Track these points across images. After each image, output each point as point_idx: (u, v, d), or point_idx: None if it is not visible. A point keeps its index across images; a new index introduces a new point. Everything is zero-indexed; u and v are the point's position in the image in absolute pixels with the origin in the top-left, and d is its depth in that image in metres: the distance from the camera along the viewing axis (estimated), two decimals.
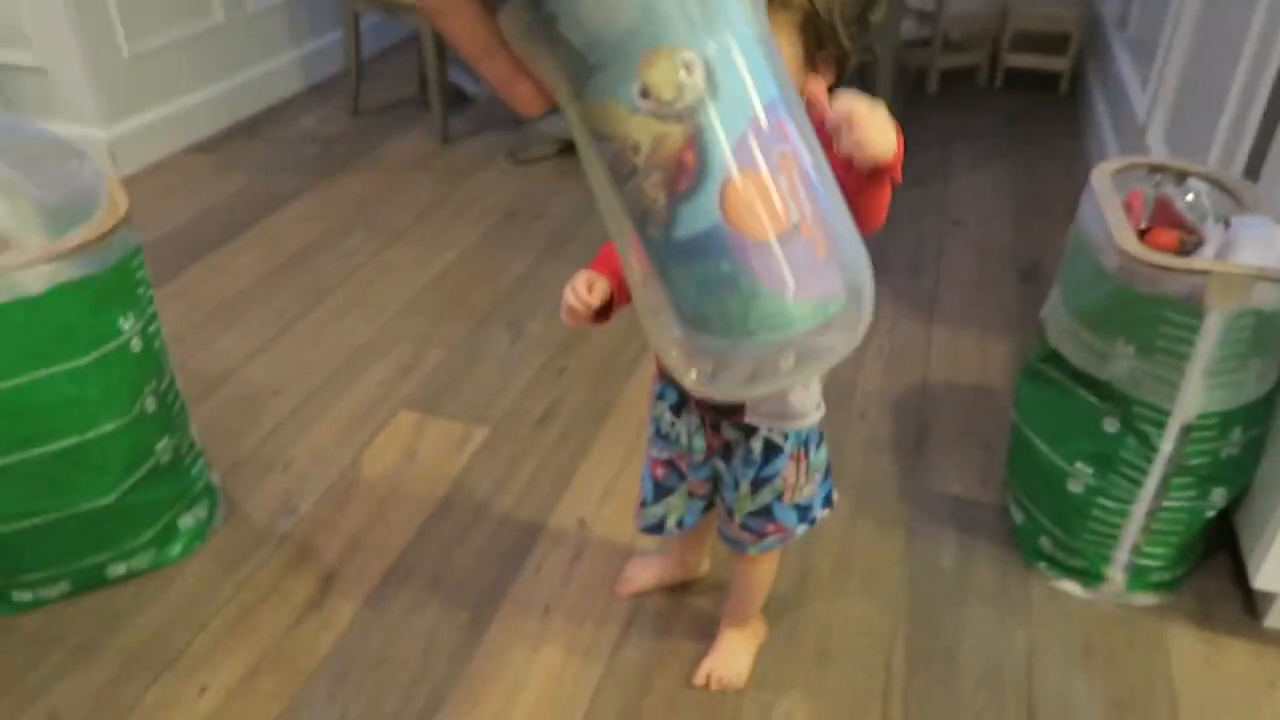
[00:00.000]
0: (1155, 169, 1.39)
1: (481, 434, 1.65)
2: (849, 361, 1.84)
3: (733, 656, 1.23)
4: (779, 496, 1.07)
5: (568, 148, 2.70)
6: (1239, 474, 1.28)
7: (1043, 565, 1.39)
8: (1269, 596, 1.29)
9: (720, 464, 1.09)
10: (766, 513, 1.08)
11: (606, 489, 1.53)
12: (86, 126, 2.50)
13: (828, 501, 1.13)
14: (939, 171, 2.69)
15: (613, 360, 1.84)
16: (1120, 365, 1.23)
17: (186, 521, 1.39)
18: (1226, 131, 1.62)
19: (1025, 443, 1.40)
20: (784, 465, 1.04)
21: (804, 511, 1.10)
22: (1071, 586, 1.37)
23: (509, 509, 1.49)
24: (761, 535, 1.10)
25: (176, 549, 1.38)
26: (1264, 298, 1.13)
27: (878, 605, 1.34)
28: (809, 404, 1.03)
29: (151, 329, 1.32)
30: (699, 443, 1.07)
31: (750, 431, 1.03)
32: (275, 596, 1.34)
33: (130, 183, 2.51)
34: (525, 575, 1.38)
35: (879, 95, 2.75)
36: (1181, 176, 1.37)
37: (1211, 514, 1.29)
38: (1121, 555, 1.32)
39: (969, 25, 3.28)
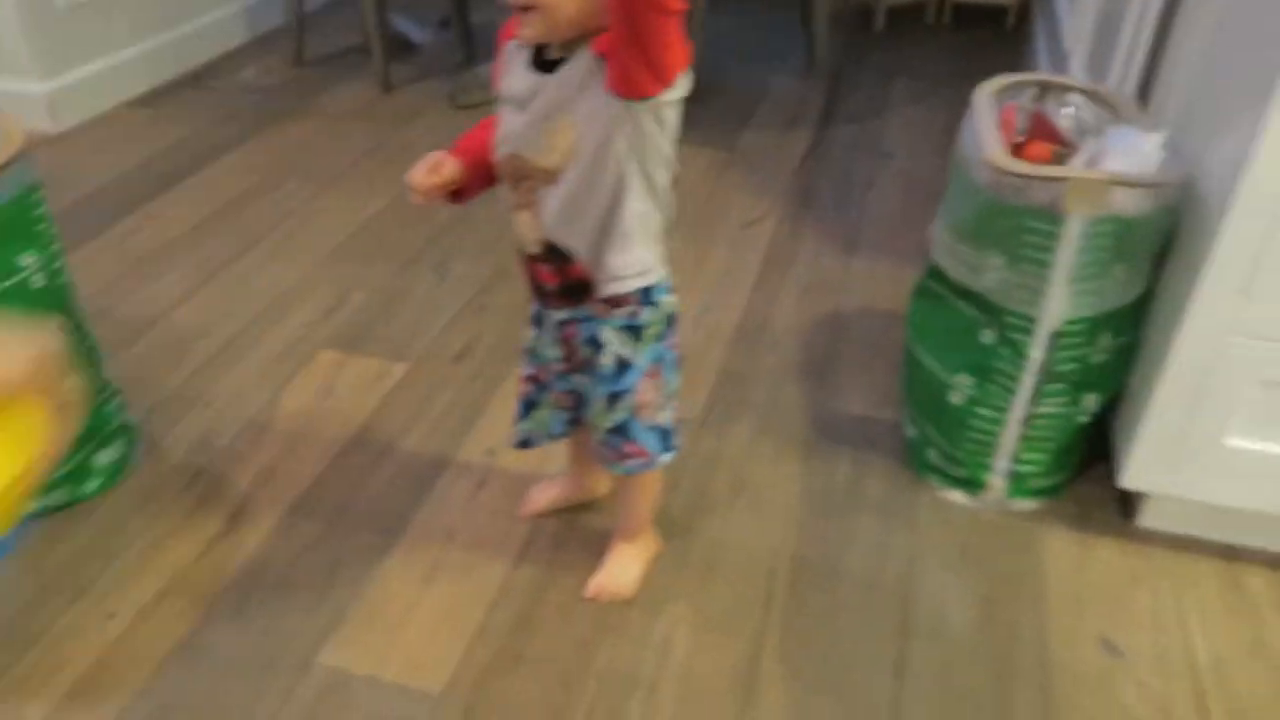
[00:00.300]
0: (1038, 86, 1.41)
1: (399, 370, 1.69)
2: (765, 294, 1.88)
3: (622, 569, 1.28)
4: (634, 413, 1.10)
5: None
6: (1110, 380, 1.31)
7: (931, 477, 1.44)
8: (1141, 497, 1.34)
9: (581, 379, 1.13)
10: (623, 431, 1.12)
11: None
12: (24, 81, 2.51)
13: (668, 443, 1.16)
14: (876, 107, 2.70)
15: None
16: (991, 276, 1.26)
17: (102, 459, 1.43)
18: (1124, 53, 1.64)
19: (914, 359, 1.44)
20: (637, 380, 1.08)
21: (665, 436, 1.14)
22: (956, 496, 1.41)
23: (420, 442, 1.53)
24: (622, 456, 1.14)
25: (92, 485, 1.43)
26: (1124, 204, 1.16)
27: (768, 521, 1.39)
28: (629, 267, 1.02)
29: (56, 266, 1.34)
30: (554, 352, 1.11)
31: (599, 346, 1.06)
32: (187, 527, 1.38)
33: (69, 136, 2.53)
34: (431, 503, 1.43)
35: (816, 32, 2.74)
36: (1063, 93, 1.39)
37: (1085, 420, 1.33)
38: (1001, 463, 1.37)
39: None
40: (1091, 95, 1.35)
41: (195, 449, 1.52)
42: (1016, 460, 1.36)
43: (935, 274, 1.37)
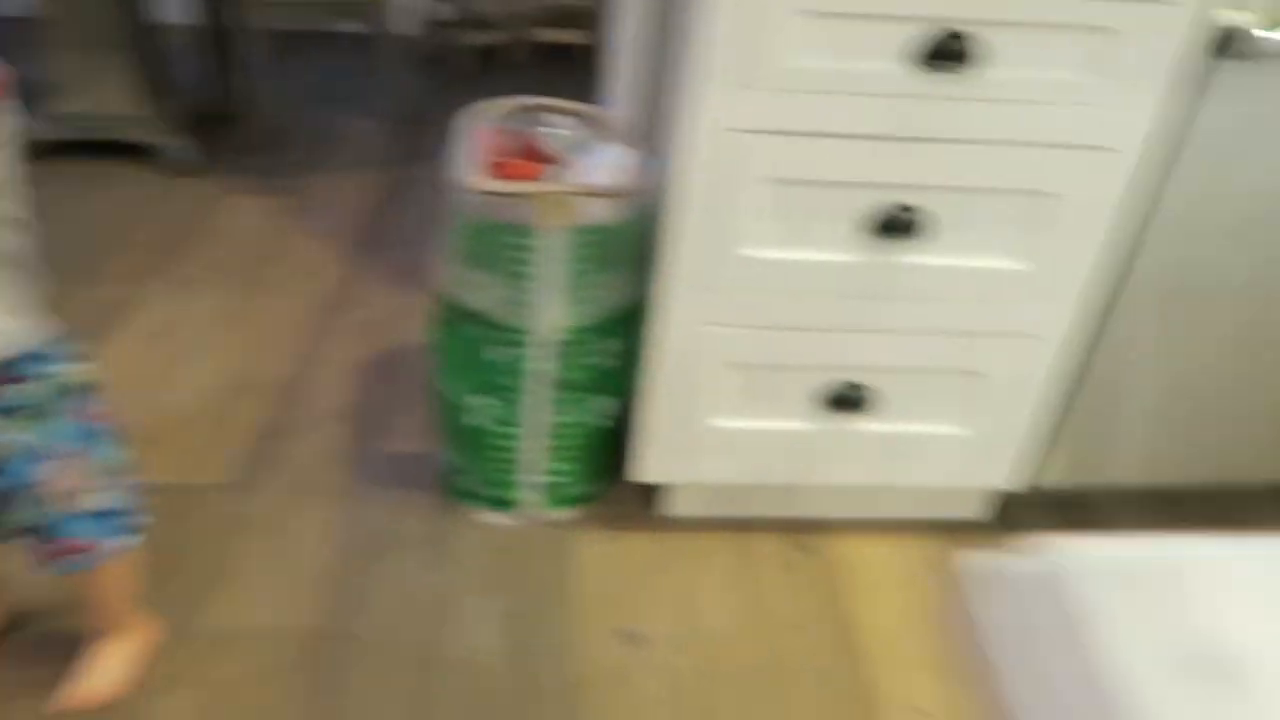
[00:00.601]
0: (526, 109, 1.43)
1: None
2: (318, 340, 1.78)
3: (101, 671, 1.11)
4: (56, 504, 0.96)
5: (40, 151, 2.40)
6: (620, 383, 1.35)
7: (468, 503, 1.41)
8: (663, 489, 1.39)
9: None
10: (47, 528, 0.98)
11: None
12: None
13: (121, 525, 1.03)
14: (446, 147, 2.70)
15: None
16: (487, 295, 1.25)
17: None
18: (628, 82, 1.73)
19: (435, 386, 1.40)
20: (48, 467, 0.94)
21: (112, 519, 1.01)
22: (494, 517, 1.39)
23: None
24: (54, 554, 1.00)
25: None
26: (596, 214, 1.19)
27: (291, 585, 1.28)
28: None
29: None
30: None
31: None
32: None
33: None
34: None
35: (390, 74, 2.64)
36: (553, 115, 1.42)
37: (606, 424, 1.36)
38: (530, 477, 1.36)
39: (500, 4, 3.34)
40: (580, 117, 1.39)
41: None
42: (546, 472, 1.36)
43: (443, 299, 1.35)
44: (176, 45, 3.06)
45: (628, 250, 1.27)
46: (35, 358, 0.91)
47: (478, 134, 1.30)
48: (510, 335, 1.26)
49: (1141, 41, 1.03)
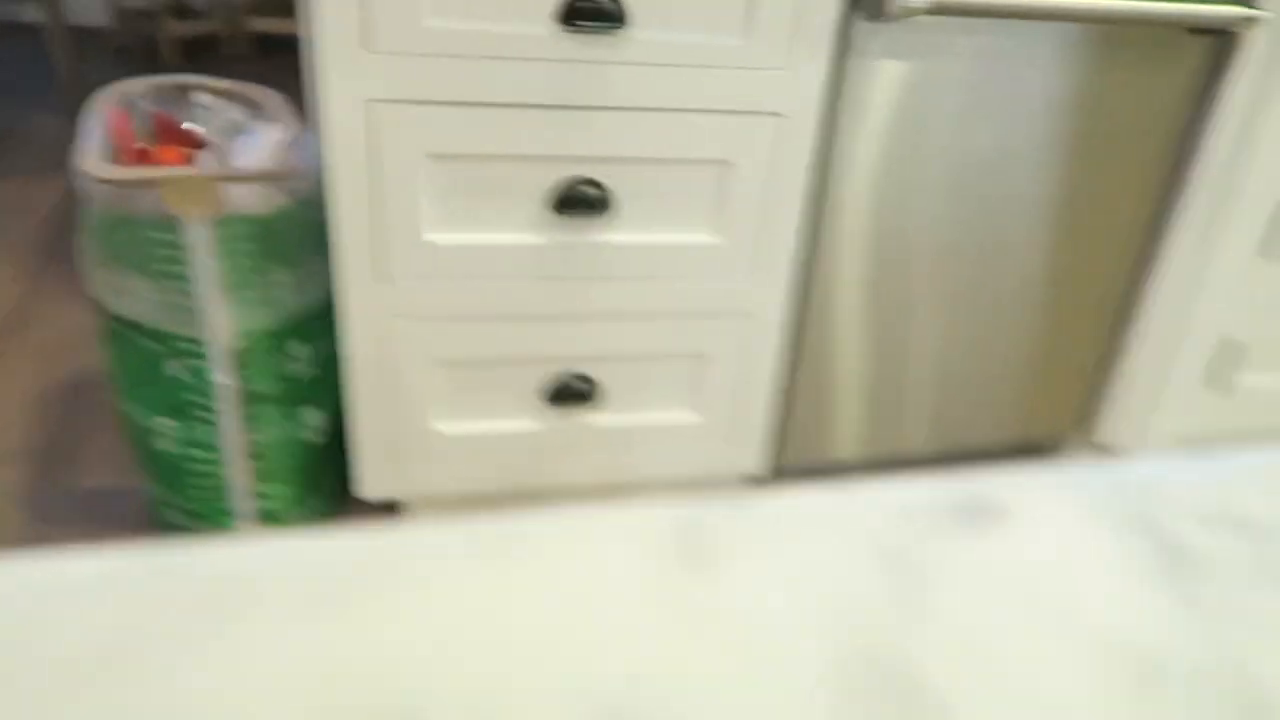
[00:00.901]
0: (177, 89, 1.28)
1: None
2: (6, 366, 1.54)
3: None
4: None
5: None
6: (323, 391, 1.24)
7: (178, 536, 1.26)
8: (402, 506, 1.30)
9: None
10: None
11: None
12: None
13: None
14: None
15: None
16: (141, 300, 1.10)
17: None
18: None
19: (121, 410, 1.24)
20: None
21: None
22: None
23: None
24: None
25: None
26: (247, 202, 1.07)
27: None
28: None
29: None
30: None
31: None
32: None
33: None
34: None
35: (59, 60, 2.34)
36: (205, 95, 1.28)
37: (317, 438, 1.25)
38: (241, 503, 1.23)
39: None
40: (239, 98, 1.27)
41: None
42: (257, 495, 1.24)
43: (103, 312, 1.18)
44: None
45: (298, 242, 1.15)
46: None
47: (111, 116, 1.14)
48: (182, 346, 1.12)
49: (793, 2, 1.01)
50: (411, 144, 0.99)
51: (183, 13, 3.07)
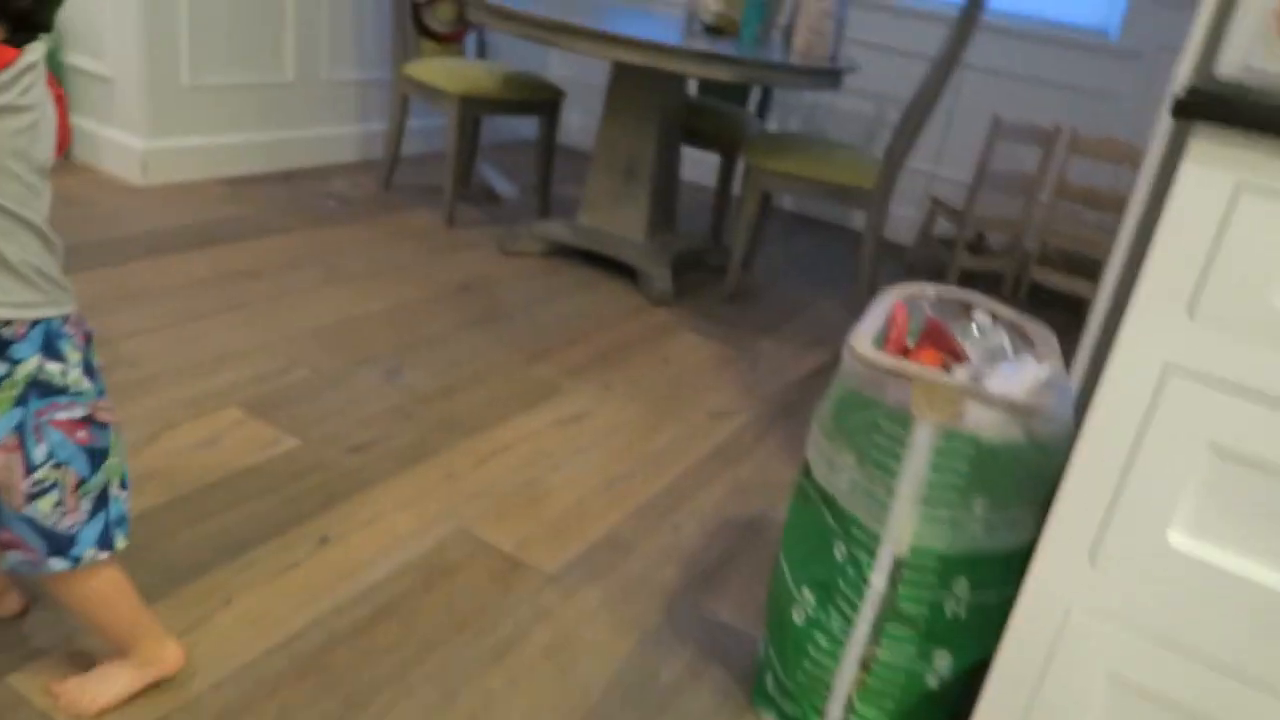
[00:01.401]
0: (958, 302, 1.30)
1: (289, 444, 1.64)
2: (695, 481, 1.75)
3: (96, 681, 1.09)
4: None
5: (554, 249, 2.78)
6: (967, 640, 1.12)
7: (763, 708, 1.24)
8: None
9: None
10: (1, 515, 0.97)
11: (367, 521, 1.48)
12: (130, 134, 2.75)
13: (105, 542, 1.00)
14: None
15: (460, 416, 1.82)
16: (844, 477, 1.12)
17: None
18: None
19: (777, 565, 1.28)
20: None
21: (55, 539, 0.97)
22: None
23: (255, 513, 1.45)
24: (5, 546, 0.98)
25: None
26: (980, 422, 1.03)
27: (561, 693, 1.22)
28: None
29: None
30: None
31: None
32: None
33: (149, 191, 2.73)
34: (206, 572, 1.33)
35: (862, 262, 2.66)
36: (982, 315, 1.28)
37: (934, 684, 1.13)
38: (834, 709, 1.17)
39: (1000, 230, 3.25)
40: (1010, 325, 1.24)
41: None
42: (852, 710, 1.16)
43: (806, 471, 1.24)
44: (693, 199, 3.39)
45: (1014, 482, 1.06)
46: (16, 341, 0.91)
47: (893, 307, 1.20)
48: (857, 534, 1.11)
49: None
50: (1194, 427, 0.84)
51: (978, 249, 3.27)
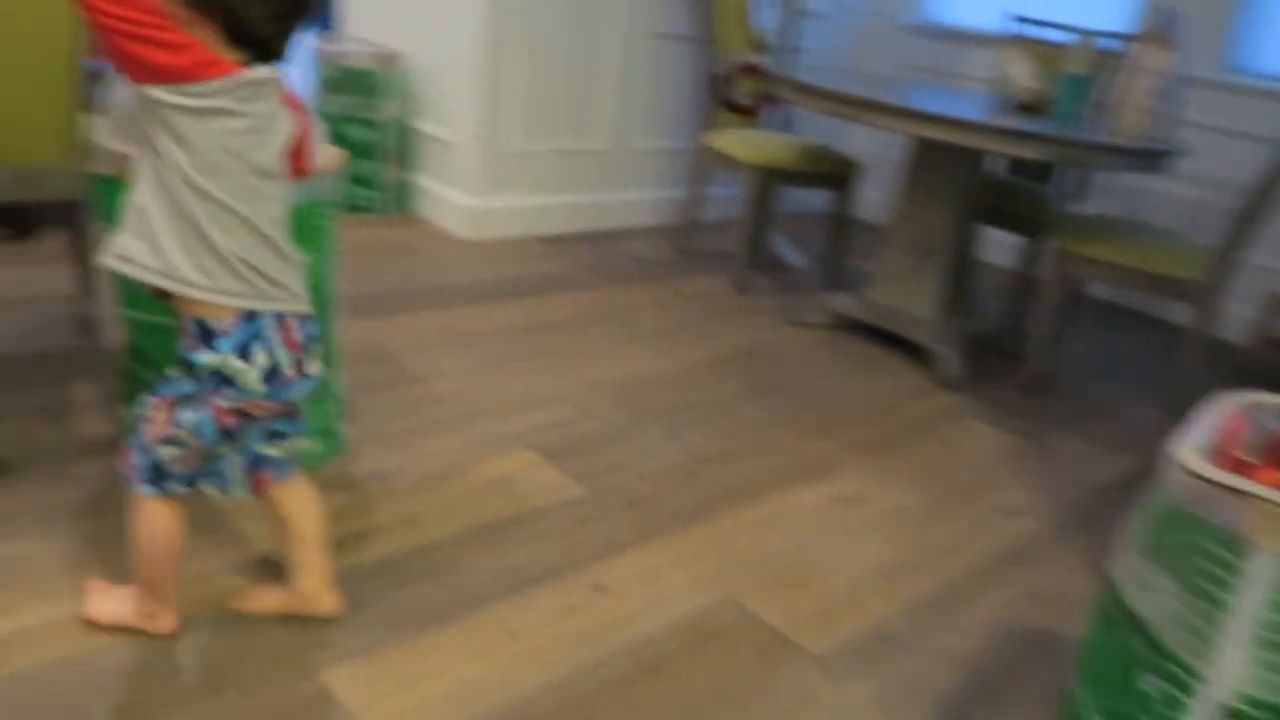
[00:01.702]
0: None
1: (576, 491, 1.73)
2: (980, 581, 1.65)
3: (115, 598, 1.24)
4: (140, 421, 1.15)
5: (841, 323, 2.76)
6: None
7: None
8: None
9: None
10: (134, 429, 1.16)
11: (641, 574, 1.53)
12: (463, 193, 3.08)
13: (155, 477, 1.14)
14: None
15: (738, 482, 1.84)
16: (1160, 602, 1.01)
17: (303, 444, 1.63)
18: None
19: (1070, 690, 1.17)
20: (154, 394, 1.13)
21: (143, 469, 1.14)
22: None
23: (540, 553, 1.54)
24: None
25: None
26: None
27: None
28: (136, 253, 1.04)
29: (323, 272, 1.53)
30: None
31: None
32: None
33: (478, 244, 3.05)
34: (482, 609, 1.42)
35: (1177, 358, 2.41)
36: None
37: None
38: None
39: None
40: None
41: (370, 475, 1.67)
42: None
43: (1111, 590, 1.13)
44: (989, 280, 3.24)
45: None
46: (216, 337, 1.08)
47: (1224, 418, 1.07)
48: (1170, 668, 0.99)
49: None
50: None
51: None
